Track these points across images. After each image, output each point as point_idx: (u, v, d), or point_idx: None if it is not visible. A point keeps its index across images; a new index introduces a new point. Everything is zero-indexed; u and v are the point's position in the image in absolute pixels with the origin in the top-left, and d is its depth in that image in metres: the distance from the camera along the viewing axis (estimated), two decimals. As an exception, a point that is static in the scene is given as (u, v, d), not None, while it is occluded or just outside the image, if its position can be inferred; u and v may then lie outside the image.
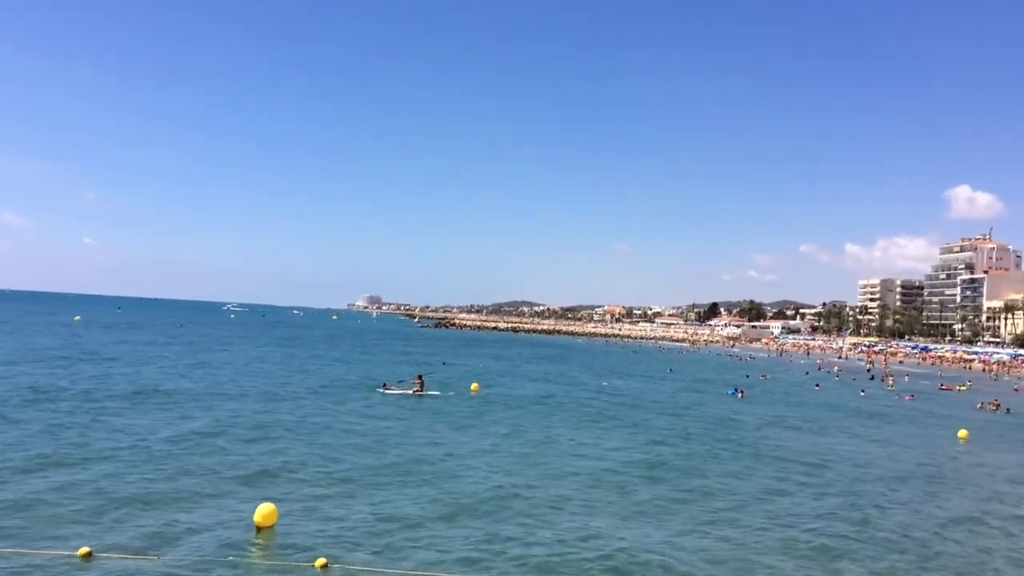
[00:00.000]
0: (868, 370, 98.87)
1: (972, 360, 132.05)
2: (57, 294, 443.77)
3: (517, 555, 15.83)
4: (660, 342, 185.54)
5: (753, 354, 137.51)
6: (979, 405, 57.02)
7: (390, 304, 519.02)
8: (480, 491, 20.93)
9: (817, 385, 69.31)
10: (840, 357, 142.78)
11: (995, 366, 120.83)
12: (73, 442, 24.15)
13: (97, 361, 52.08)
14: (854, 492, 23.62)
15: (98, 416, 29.26)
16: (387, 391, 43.53)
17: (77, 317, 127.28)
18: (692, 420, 39.79)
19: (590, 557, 15.81)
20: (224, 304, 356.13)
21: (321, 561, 14.39)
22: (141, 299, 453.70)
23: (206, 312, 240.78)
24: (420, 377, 45.43)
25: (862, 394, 63.26)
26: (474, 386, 47.85)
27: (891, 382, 79.01)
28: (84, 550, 14.40)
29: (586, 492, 21.59)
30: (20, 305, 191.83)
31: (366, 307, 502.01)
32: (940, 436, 39.56)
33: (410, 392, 43.15)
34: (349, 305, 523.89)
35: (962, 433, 39.03)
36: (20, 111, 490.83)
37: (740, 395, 54.55)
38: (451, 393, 44.52)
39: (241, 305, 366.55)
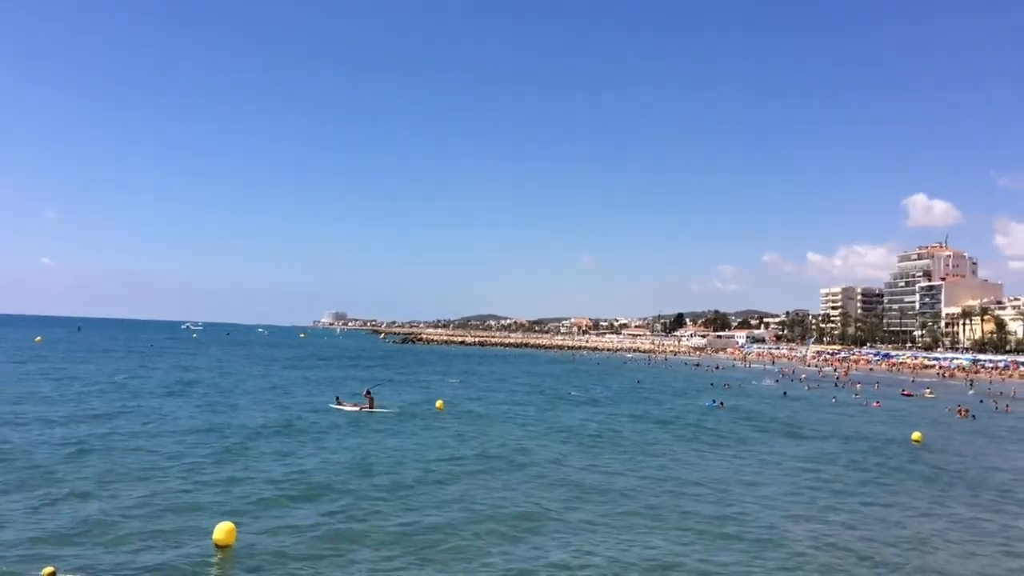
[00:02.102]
0: (837, 379, 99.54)
1: (933, 366, 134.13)
2: (11, 316, 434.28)
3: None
4: (626, 354, 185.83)
5: (719, 364, 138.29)
6: (959, 410, 57.20)
7: (356, 320, 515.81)
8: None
9: (785, 393, 69.71)
10: (806, 365, 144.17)
11: (958, 372, 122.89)
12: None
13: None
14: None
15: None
16: (340, 406, 42.90)
17: (38, 338, 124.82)
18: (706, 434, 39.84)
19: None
20: (183, 323, 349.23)
21: (48, 570, 14.11)
22: (100, 319, 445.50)
23: (167, 331, 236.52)
24: (368, 392, 44.30)
25: (833, 400, 63.86)
26: (439, 403, 47.32)
27: (858, 388, 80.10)
28: (48, 570, 14.10)
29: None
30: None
31: (331, 324, 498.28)
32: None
33: (357, 408, 42.12)
34: (315, 322, 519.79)
35: (916, 435, 40.25)
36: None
37: (721, 407, 54.48)
38: (396, 410, 43.34)
39: (201, 323, 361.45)
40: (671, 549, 17.65)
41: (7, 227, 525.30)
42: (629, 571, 16.15)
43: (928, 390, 79.88)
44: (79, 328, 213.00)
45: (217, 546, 16.11)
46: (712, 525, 19.94)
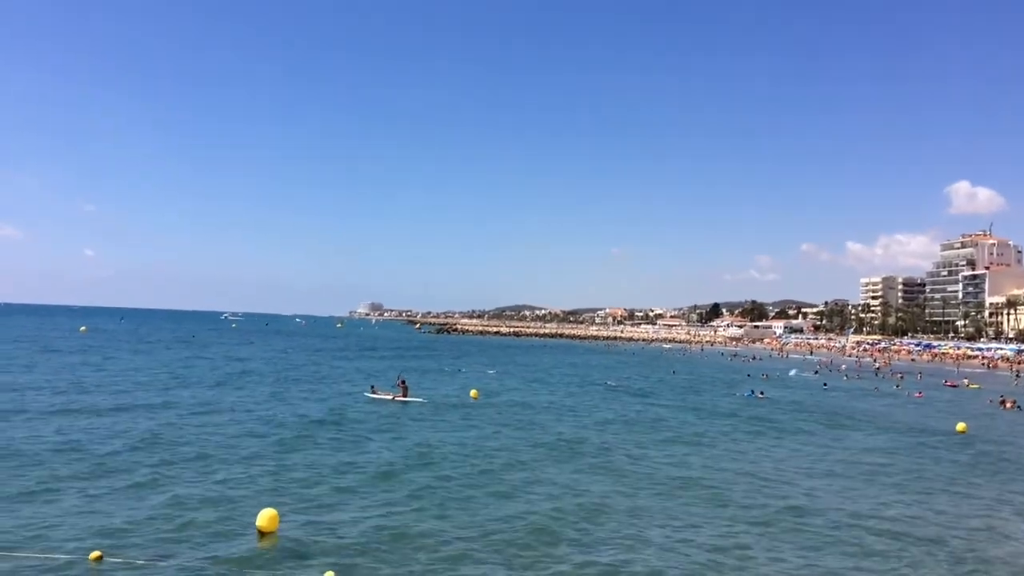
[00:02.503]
0: (877, 369, 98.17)
1: (976, 356, 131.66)
2: (56, 306, 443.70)
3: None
4: (663, 344, 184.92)
5: (753, 354, 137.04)
6: (1002, 402, 56.00)
7: (392, 311, 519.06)
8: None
9: (825, 384, 68.84)
10: (845, 356, 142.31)
11: (1001, 362, 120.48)
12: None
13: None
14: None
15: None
16: (375, 395, 43.34)
17: (83, 328, 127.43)
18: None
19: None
20: (222, 313, 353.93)
21: (96, 554, 14.34)
22: (141, 310, 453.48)
23: (209, 322, 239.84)
24: (403, 382, 44.62)
25: (875, 391, 63.04)
26: (473, 392, 47.46)
27: (900, 379, 78.88)
28: (95, 554, 14.40)
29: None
30: (23, 318, 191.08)
31: (367, 314, 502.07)
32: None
33: (390, 397, 42.48)
34: (351, 312, 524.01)
35: (960, 426, 39.57)
36: (18, 122, 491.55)
37: (760, 396, 54.10)
38: (426, 400, 43.30)
39: (241, 314, 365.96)
40: (739, 540, 17.47)
41: (51, 220, 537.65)
42: (721, 555, 16.26)
43: (966, 380, 78.49)
44: (122, 318, 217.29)
45: (260, 532, 16.28)
46: (776, 515, 19.77)
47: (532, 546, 16.49)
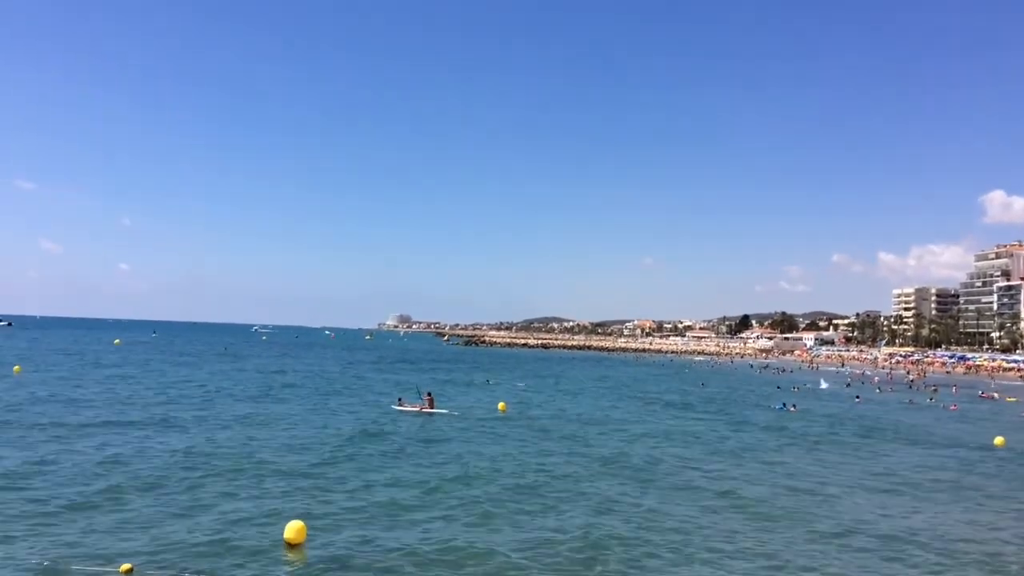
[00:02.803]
0: (911, 382, 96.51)
1: (1012, 369, 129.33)
2: (91, 320, 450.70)
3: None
4: (695, 356, 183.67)
5: (783, 366, 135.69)
6: None
7: (420, 323, 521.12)
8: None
9: (858, 397, 67.93)
10: (878, 368, 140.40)
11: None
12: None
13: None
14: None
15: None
16: (402, 407, 43.70)
17: (117, 341, 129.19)
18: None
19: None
20: (251, 326, 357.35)
21: (126, 566, 14.47)
22: (173, 323, 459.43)
23: (239, 334, 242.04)
24: (429, 394, 45.22)
25: (909, 403, 62.10)
26: (501, 405, 47.49)
27: (933, 392, 77.60)
28: (126, 566, 14.57)
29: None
30: (61, 332, 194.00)
31: (396, 326, 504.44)
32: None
33: (417, 409, 42.92)
34: (379, 324, 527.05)
35: (998, 440, 39.42)
36: (56, 137, 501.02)
37: (792, 409, 53.60)
38: (455, 413, 43.35)
39: (270, 326, 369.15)
40: (791, 558, 17.32)
41: (89, 234, 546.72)
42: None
43: (996, 393, 77.13)
44: (154, 332, 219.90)
45: (288, 544, 16.42)
46: (829, 528, 19.79)
47: (582, 563, 16.47)
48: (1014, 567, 17.12)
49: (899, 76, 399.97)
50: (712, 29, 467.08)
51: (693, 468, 28.39)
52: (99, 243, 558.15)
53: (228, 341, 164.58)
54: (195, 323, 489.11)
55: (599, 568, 16.12)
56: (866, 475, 28.43)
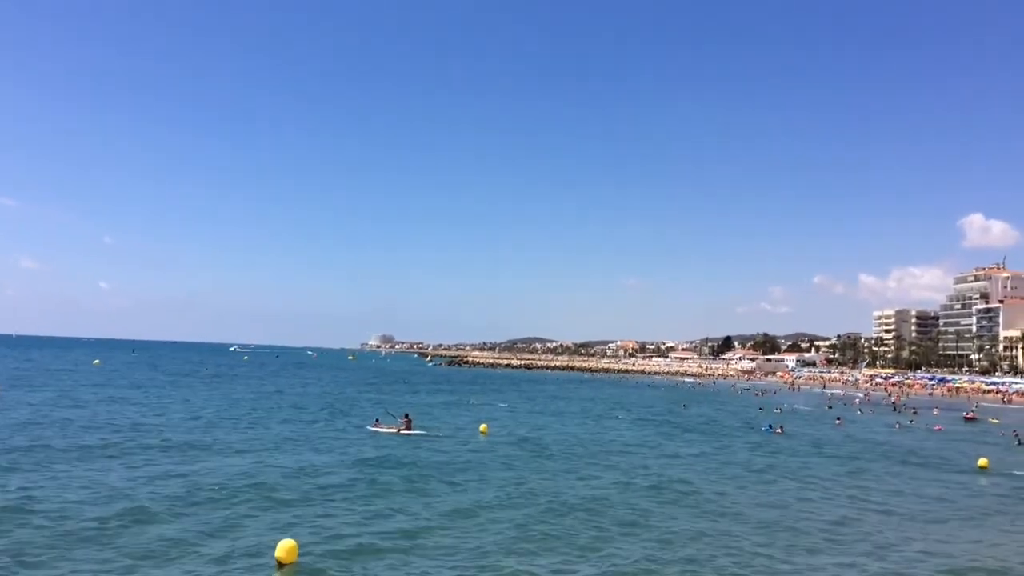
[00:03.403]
0: (894, 405, 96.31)
1: (991, 391, 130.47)
2: (69, 339, 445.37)
3: None
4: (678, 377, 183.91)
5: (765, 388, 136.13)
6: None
7: (403, 343, 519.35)
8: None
9: (838, 419, 68.16)
10: (858, 389, 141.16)
11: (1016, 397, 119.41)
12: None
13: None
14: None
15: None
16: (377, 428, 43.50)
17: (96, 361, 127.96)
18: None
19: None
20: (229, 345, 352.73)
21: None
22: (151, 342, 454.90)
23: (218, 354, 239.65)
24: (407, 416, 44.88)
25: (896, 427, 62.51)
26: (483, 427, 47.31)
27: (913, 414, 78.02)
28: None
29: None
30: (38, 352, 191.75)
31: (379, 346, 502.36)
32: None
33: (394, 430, 42.70)
34: (362, 344, 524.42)
35: (982, 461, 39.82)
36: (38, 153, 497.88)
37: (779, 431, 53.79)
38: (440, 434, 43.37)
39: (252, 346, 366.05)
40: None
41: (69, 251, 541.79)
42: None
43: (971, 411, 77.81)
44: (133, 351, 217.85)
45: (279, 564, 16.39)
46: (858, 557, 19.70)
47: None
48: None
49: (880, 101, 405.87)
50: (696, 50, 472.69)
51: (695, 490, 28.48)
52: (79, 261, 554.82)
53: (210, 361, 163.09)
54: (175, 342, 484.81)
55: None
56: (869, 496, 28.75)
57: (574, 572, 17.25)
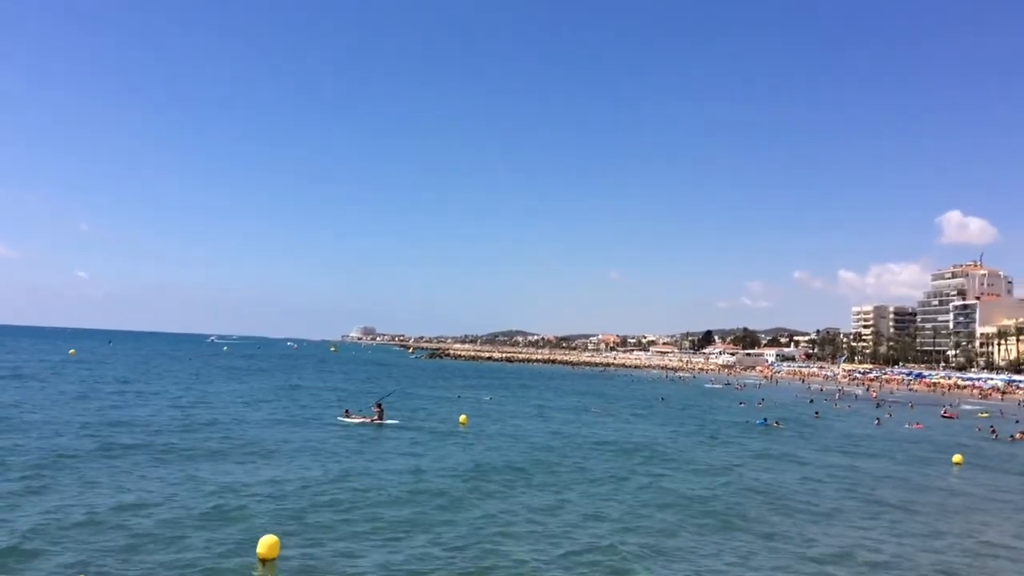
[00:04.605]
0: (877, 402, 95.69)
1: (967, 386, 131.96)
2: (45, 328, 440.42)
3: None
4: (664, 371, 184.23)
5: (744, 381, 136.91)
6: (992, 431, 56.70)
7: (384, 335, 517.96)
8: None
9: (816, 414, 68.67)
10: (837, 384, 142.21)
11: (993, 392, 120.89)
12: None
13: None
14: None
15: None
16: (348, 419, 43.53)
17: (72, 351, 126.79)
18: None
19: None
20: (208, 336, 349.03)
21: None
22: (129, 332, 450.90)
23: (197, 345, 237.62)
24: (379, 405, 44.71)
25: (876, 423, 63.06)
26: (462, 418, 47.32)
27: (890, 409, 78.90)
28: None
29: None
30: (13, 340, 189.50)
31: (360, 338, 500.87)
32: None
33: (368, 420, 42.85)
34: (343, 336, 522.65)
35: (956, 458, 39.92)
36: (14, 138, 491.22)
37: (776, 425, 54.20)
38: (412, 422, 43.78)
39: (236, 337, 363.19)
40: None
41: (44, 240, 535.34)
42: None
43: (946, 407, 78.50)
44: (110, 341, 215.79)
45: (261, 560, 16.28)
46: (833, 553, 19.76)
47: None
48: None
49: (860, 97, 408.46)
50: (676, 46, 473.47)
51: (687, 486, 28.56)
52: (56, 249, 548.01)
53: (190, 353, 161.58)
54: (153, 333, 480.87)
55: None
56: (862, 489, 29.06)
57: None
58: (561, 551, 18.31)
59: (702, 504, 24.87)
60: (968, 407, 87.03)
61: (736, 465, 34.47)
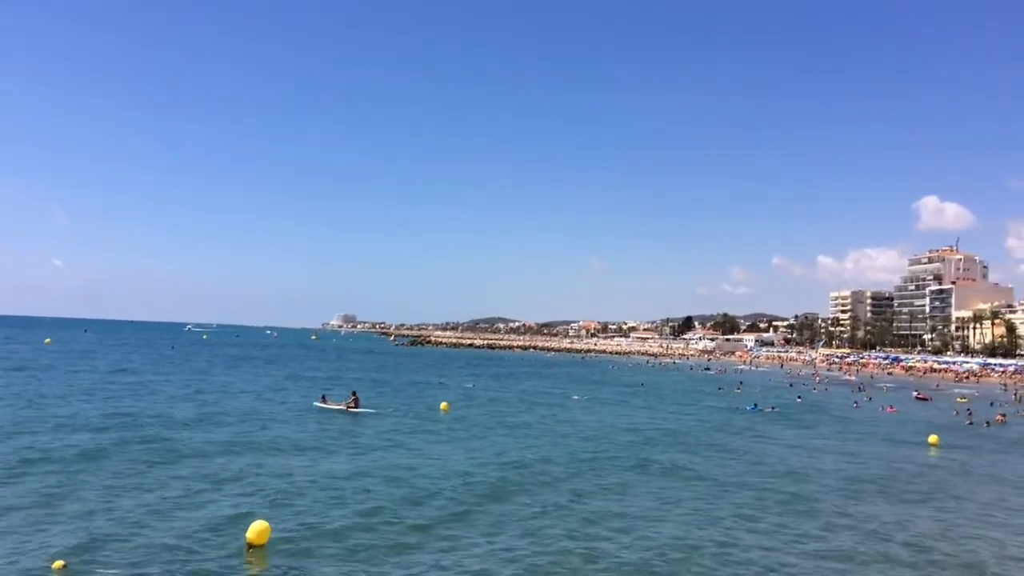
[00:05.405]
0: (859, 386, 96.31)
1: (942, 370, 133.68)
2: (20, 317, 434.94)
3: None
4: (635, 356, 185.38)
5: (723, 367, 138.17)
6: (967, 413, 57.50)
7: (365, 323, 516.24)
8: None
9: (799, 397, 69.39)
10: (815, 369, 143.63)
11: (968, 376, 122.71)
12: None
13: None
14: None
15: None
16: (324, 405, 43.76)
17: (48, 340, 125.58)
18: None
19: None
20: (184, 324, 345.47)
21: (58, 564, 14.42)
22: (106, 321, 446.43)
23: (175, 334, 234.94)
24: (354, 393, 45.19)
25: (855, 406, 63.83)
26: (444, 405, 47.56)
27: (865, 392, 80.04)
28: (59, 563, 14.33)
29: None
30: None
31: (340, 326, 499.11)
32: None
33: (342, 407, 43.10)
34: (324, 324, 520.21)
35: (932, 439, 40.36)
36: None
37: (771, 410, 54.47)
38: (389, 409, 44.27)
39: (215, 325, 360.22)
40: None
41: (21, 230, 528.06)
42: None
43: (920, 392, 79.56)
44: (85, 330, 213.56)
45: (250, 545, 16.37)
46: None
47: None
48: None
49: (837, 84, 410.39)
50: (656, 33, 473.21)
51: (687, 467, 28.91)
52: (32, 238, 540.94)
53: (172, 341, 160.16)
54: (131, 321, 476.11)
55: None
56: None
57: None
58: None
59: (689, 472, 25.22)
60: (960, 390, 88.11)
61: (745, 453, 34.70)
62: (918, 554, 18.27)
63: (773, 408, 55.32)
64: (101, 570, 14.59)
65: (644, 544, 18.08)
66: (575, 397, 61.31)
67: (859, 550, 18.34)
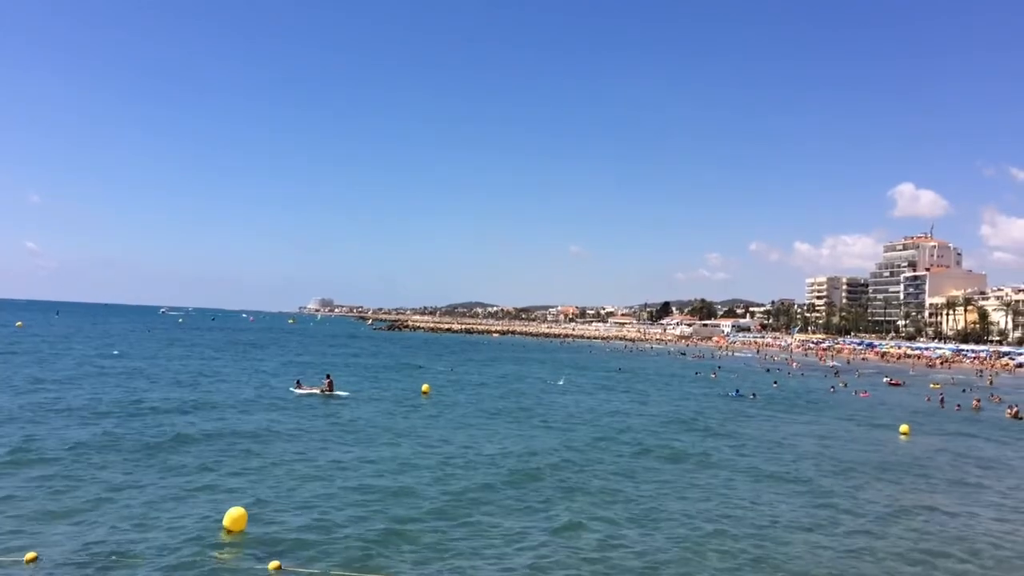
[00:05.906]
0: (836, 370, 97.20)
1: (915, 355, 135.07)
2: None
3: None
4: (611, 341, 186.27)
5: (700, 352, 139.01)
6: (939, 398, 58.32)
7: (343, 307, 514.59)
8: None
9: (775, 383, 69.88)
10: (791, 354, 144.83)
11: (939, 363, 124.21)
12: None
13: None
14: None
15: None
16: (300, 390, 43.79)
17: (19, 323, 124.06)
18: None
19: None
20: (159, 308, 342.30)
21: (30, 555, 14.13)
22: (79, 304, 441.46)
23: (150, 317, 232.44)
24: (328, 376, 45.39)
25: (831, 391, 64.49)
26: (424, 388, 47.57)
27: (841, 378, 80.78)
28: (30, 555, 14.15)
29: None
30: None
31: (318, 310, 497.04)
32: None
33: (317, 391, 43.22)
34: (301, 308, 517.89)
35: (903, 428, 40.17)
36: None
37: (753, 397, 54.54)
38: (368, 393, 44.69)
39: (191, 309, 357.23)
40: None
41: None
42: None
43: (892, 378, 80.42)
44: (57, 313, 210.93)
45: (227, 531, 16.19)
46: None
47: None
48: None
49: (814, 73, 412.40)
50: (639, 20, 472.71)
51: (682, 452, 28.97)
52: (5, 220, 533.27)
53: (148, 325, 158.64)
54: (104, 304, 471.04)
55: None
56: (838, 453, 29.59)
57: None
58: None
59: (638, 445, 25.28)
60: (940, 376, 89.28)
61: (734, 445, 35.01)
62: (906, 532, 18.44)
63: (754, 395, 55.42)
64: (76, 558, 14.31)
65: (653, 528, 18.15)
66: (560, 382, 60.65)
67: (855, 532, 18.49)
